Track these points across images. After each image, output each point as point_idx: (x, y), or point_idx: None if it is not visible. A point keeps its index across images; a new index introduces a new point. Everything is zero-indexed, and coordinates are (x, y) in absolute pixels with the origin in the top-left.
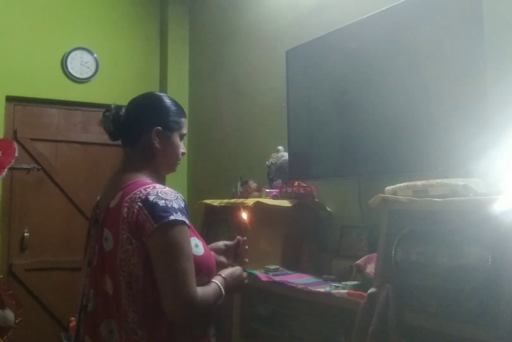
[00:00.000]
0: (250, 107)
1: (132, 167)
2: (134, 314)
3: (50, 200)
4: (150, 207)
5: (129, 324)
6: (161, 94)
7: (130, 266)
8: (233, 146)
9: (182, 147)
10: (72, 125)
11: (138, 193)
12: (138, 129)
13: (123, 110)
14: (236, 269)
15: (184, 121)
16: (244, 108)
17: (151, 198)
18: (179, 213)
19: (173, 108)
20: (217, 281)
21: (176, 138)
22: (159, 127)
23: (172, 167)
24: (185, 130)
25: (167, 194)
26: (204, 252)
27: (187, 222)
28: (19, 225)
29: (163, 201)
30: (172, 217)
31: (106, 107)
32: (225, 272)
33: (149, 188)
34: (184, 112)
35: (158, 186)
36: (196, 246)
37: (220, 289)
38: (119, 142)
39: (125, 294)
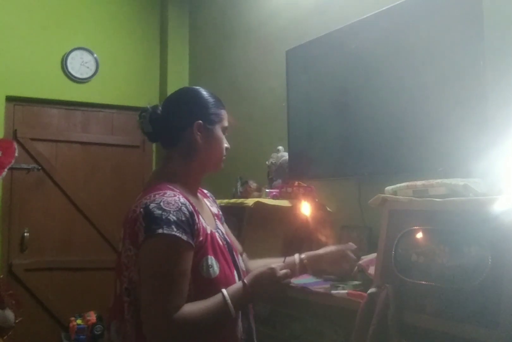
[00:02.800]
0: (250, 107)
1: (165, 169)
2: (132, 320)
3: (50, 200)
4: (147, 215)
5: (128, 328)
6: (197, 87)
7: (130, 272)
8: (233, 147)
9: (226, 142)
10: (72, 125)
11: (148, 197)
12: (179, 126)
13: (160, 108)
14: (264, 270)
15: (225, 113)
16: (244, 108)
17: (152, 205)
18: (172, 227)
19: (211, 100)
20: (225, 291)
21: (219, 131)
22: (200, 121)
23: (217, 164)
24: (226, 123)
25: (169, 204)
26: (219, 274)
27: (182, 236)
28: (19, 225)
29: (159, 212)
30: (160, 231)
31: (106, 107)
32: (250, 275)
33: (158, 194)
34: (223, 104)
35: (169, 193)
36: (210, 266)
37: (224, 302)
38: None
39: (125, 299)
